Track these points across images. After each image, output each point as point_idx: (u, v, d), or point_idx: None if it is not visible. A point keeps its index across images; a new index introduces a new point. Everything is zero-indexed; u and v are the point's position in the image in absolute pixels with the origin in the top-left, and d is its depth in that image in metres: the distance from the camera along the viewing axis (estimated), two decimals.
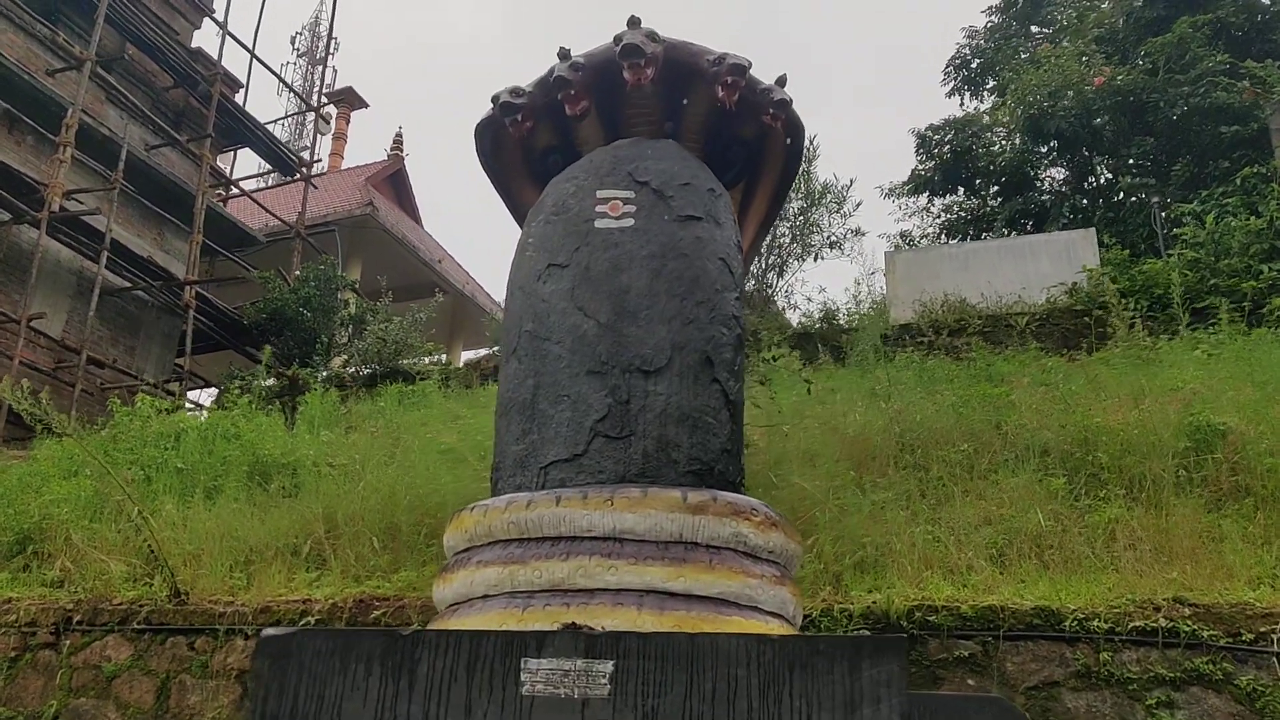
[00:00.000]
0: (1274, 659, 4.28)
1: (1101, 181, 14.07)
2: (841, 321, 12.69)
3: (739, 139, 4.40)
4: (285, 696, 2.84)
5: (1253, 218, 11.66)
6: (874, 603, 4.76)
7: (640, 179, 3.83)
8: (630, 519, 3.14)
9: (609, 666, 2.74)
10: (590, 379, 3.49)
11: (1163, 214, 12.81)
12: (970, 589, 4.87)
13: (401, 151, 24.57)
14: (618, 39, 4.04)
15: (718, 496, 3.22)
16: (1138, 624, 4.45)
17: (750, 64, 4.04)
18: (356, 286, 18.03)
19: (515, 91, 4.20)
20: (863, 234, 14.98)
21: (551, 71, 4.12)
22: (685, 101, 4.33)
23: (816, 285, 33.05)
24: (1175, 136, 13.09)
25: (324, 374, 12.95)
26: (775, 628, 3.14)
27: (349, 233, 20.11)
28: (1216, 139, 12.81)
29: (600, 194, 3.82)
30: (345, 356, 15.45)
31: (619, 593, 3.05)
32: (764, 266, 14.65)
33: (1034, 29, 18.70)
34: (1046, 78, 13.79)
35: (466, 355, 21.20)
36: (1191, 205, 12.28)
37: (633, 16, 4.11)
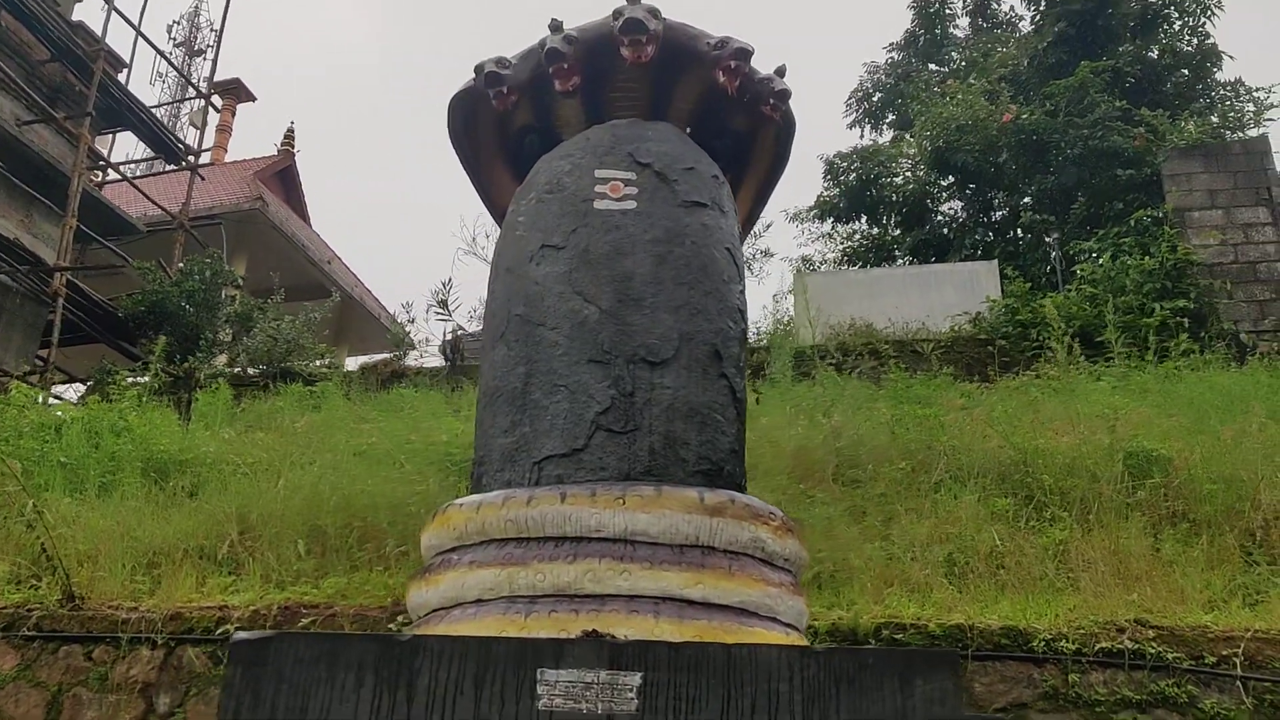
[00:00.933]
0: (1237, 683, 4.28)
1: (1001, 216, 14.44)
2: (751, 341, 12.66)
3: (728, 129, 4.20)
4: (261, 709, 2.48)
5: (1146, 258, 12.09)
6: (839, 619, 4.60)
7: (642, 160, 3.60)
8: (643, 519, 2.88)
9: (636, 679, 2.47)
10: (591, 368, 3.22)
11: (1061, 250, 13.21)
12: (934, 607, 4.76)
13: (293, 147, 23.68)
14: (618, 13, 3.81)
15: (735, 498, 3.00)
16: (1104, 645, 4.40)
17: (754, 49, 3.85)
18: (241, 283, 17.22)
19: (501, 62, 3.92)
20: (771, 255, 15.03)
21: (543, 44, 3.86)
22: (675, 86, 4.12)
23: None
24: (1074, 176, 13.51)
25: (209, 371, 12.26)
26: (795, 639, 2.93)
27: (235, 227, 19.20)
28: (1112, 181, 13.28)
29: (599, 173, 3.56)
30: (229, 355, 14.71)
31: (633, 599, 2.79)
32: None
33: (932, 66, 19.18)
34: (955, 112, 14.10)
35: (354, 360, 20.46)
36: (1089, 243, 12.68)
37: None
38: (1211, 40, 15.01)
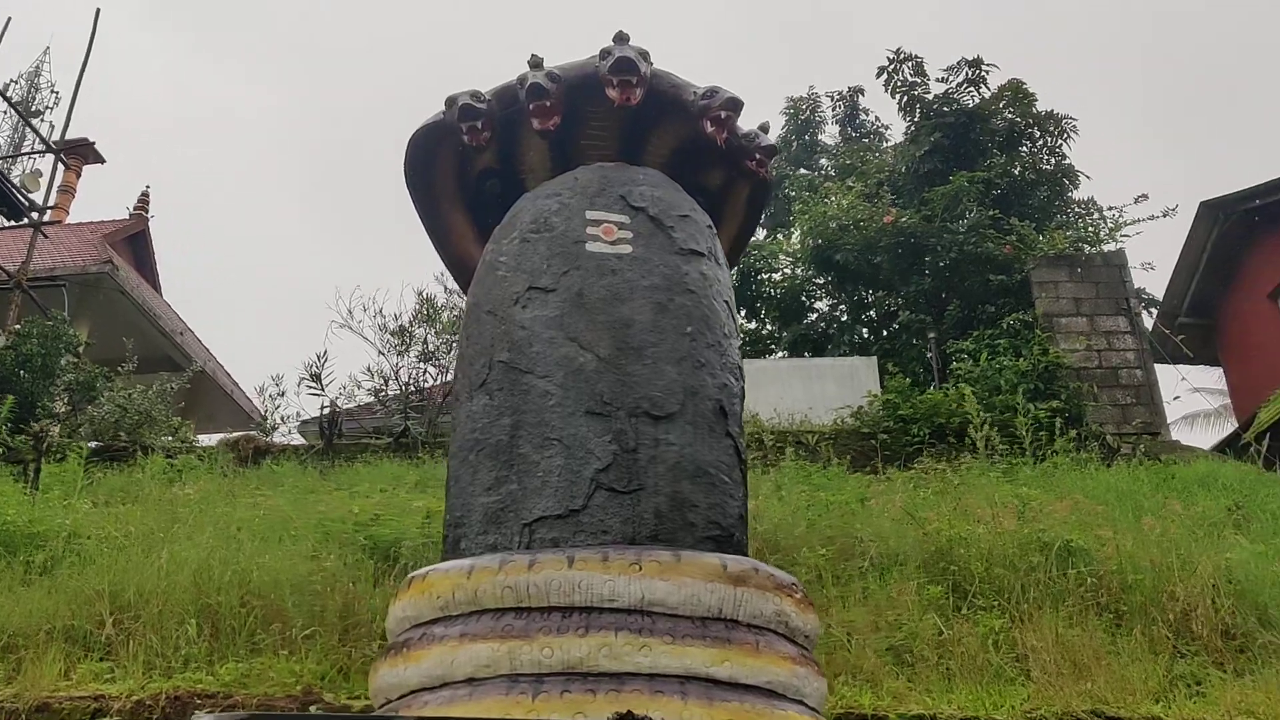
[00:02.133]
0: None
1: (878, 314, 14.79)
2: None
3: (701, 186, 4.02)
4: None
5: (1019, 359, 12.51)
6: None
7: (635, 204, 3.36)
8: (662, 588, 2.56)
9: None
10: (589, 420, 2.91)
11: (938, 349, 13.55)
12: (889, 696, 4.54)
13: (146, 213, 22.50)
14: (607, 52, 3.61)
15: (759, 567, 2.71)
16: None
17: (744, 101, 3.70)
18: (81, 350, 16.04)
19: (476, 95, 3.66)
20: None
21: (523, 80, 3.62)
22: (649, 136, 3.93)
23: None
24: (949, 279, 13.97)
25: (57, 440, 11.23)
26: None
27: (79, 291, 17.96)
28: (984, 285, 13.77)
29: (590, 215, 3.31)
30: (65, 426, 13.58)
31: (654, 678, 2.45)
32: None
33: (803, 171, 19.75)
34: (835, 212, 14.47)
35: (203, 438, 19.26)
36: (965, 343, 13.04)
37: (621, 31, 3.70)
38: (1068, 161, 15.96)
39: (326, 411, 11.52)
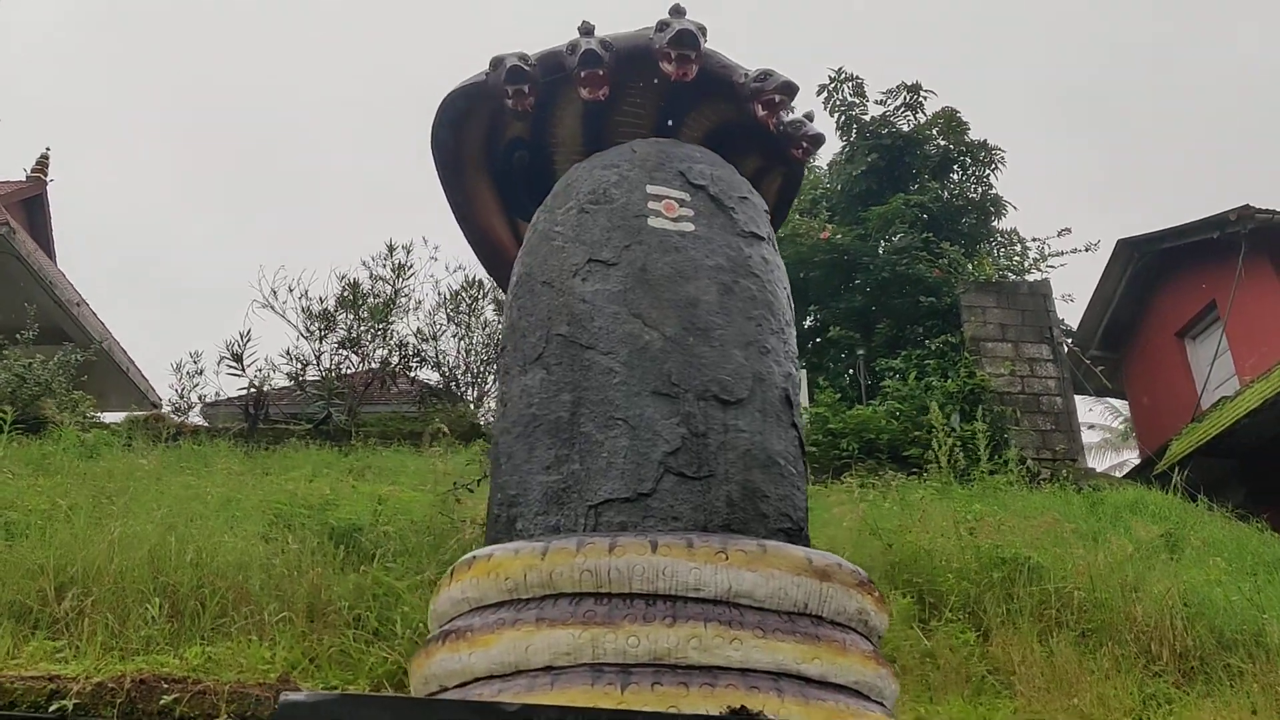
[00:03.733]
0: None
1: (809, 328, 14.86)
2: None
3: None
4: None
5: (947, 380, 12.72)
6: None
7: (695, 182, 3.23)
8: (749, 579, 2.43)
9: None
10: (655, 401, 2.77)
11: (867, 366, 13.70)
12: None
13: (45, 175, 21.37)
14: (664, 24, 3.47)
15: (842, 563, 2.60)
16: None
17: (799, 86, 3.60)
18: None
19: (524, 58, 3.48)
20: None
21: (573, 47, 3.45)
22: (687, 115, 3.82)
23: None
24: (880, 298, 14.14)
25: None
26: None
27: None
28: (915, 306, 13.98)
29: (650, 189, 3.16)
30: None
31: (746, 673, 2.32)
32: (478, 361, 13.95)
33: None
34: None
35: (104, 415, 18.34)
36: (894, 362, 13.21)
37: (677, 4, 3.56)
38: (994, 190, 16.34)
39: (251, 393, 11.02)
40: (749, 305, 3.02)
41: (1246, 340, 14.37)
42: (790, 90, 3.54)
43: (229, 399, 13.62)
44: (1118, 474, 24.94)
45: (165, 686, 3.83)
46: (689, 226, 3.10)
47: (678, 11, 3.54)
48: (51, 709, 3.68)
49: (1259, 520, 9.96)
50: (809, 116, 3.76)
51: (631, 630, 2.33)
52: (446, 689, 2.47)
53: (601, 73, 3.41)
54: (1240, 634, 5.69)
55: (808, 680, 2.37)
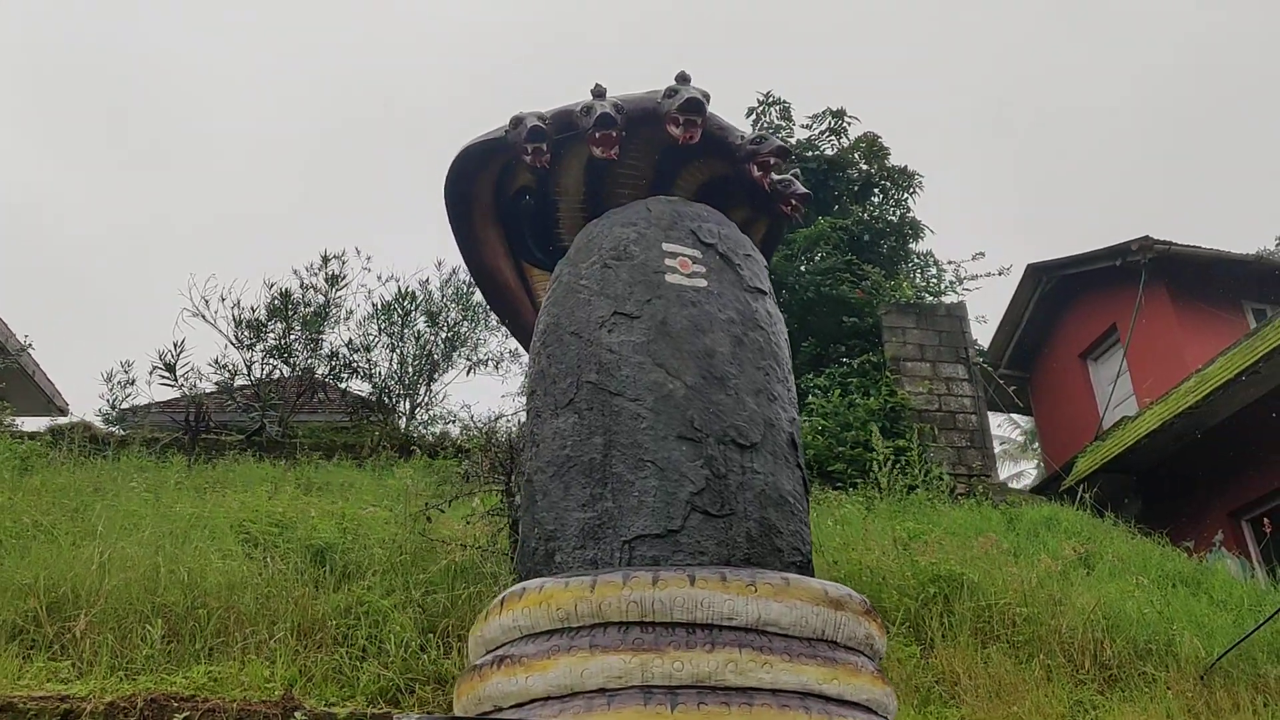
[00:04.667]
0: None
1: None
2: (502, 437, 12.42)
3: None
4: None
5: (869, 398, 13.26)
6: None
7: (705, 240, 3.53)
8: (776, 609, 2.74)
9: None
10: (681, 445, 3.06)
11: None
12: None
13: None
14: (673, 91, 3.76)
15: (852, 594, 2.92)
16: None
17: (791, 150, 3.92)
18: None
19: (542, 117, 3.74)
20: (520, 356, 14.91)
21: (588, 109, 3.72)
22: (682, 170, 4.12)
23: (459, 400, 32.46)
24: (805, 317, 14.63)
25: None
26: None
27: None
28: (839, 326, 14.51)
29: (666, 246, 3.45)
30: None
31: (777, 693, 2.62)
32: (412, 372, 14.05)
33: None
34: None
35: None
36: (819, 380, 13.70)
37: (683, 72, 3.86)
38: (913, 214, 17.00)
39: (191, 406, 10.96)
40: (758, 356, 3.33)
41: (1144, 362, 15.25)
42: (784, 154, 3.87)
43: (154, 405, 13.47)
44: (1016, 482, 26.05)
45: (176, 705, 3.97)
46: (702, 282, 3.40)
47: (683, 79, 3.84)
48: None
49: (1160, 535, 10.68)
50: (796, 175, 4.10)
51: (676, 656, 2.62)
52: (502, 709, 2.72)
53: (615, 134, 3.69)
54: (1153, 644, 6.21)
55: (828, 699, 2.69)
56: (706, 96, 3.81)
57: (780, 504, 3.11)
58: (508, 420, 13.06)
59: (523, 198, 4.07)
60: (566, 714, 2.56)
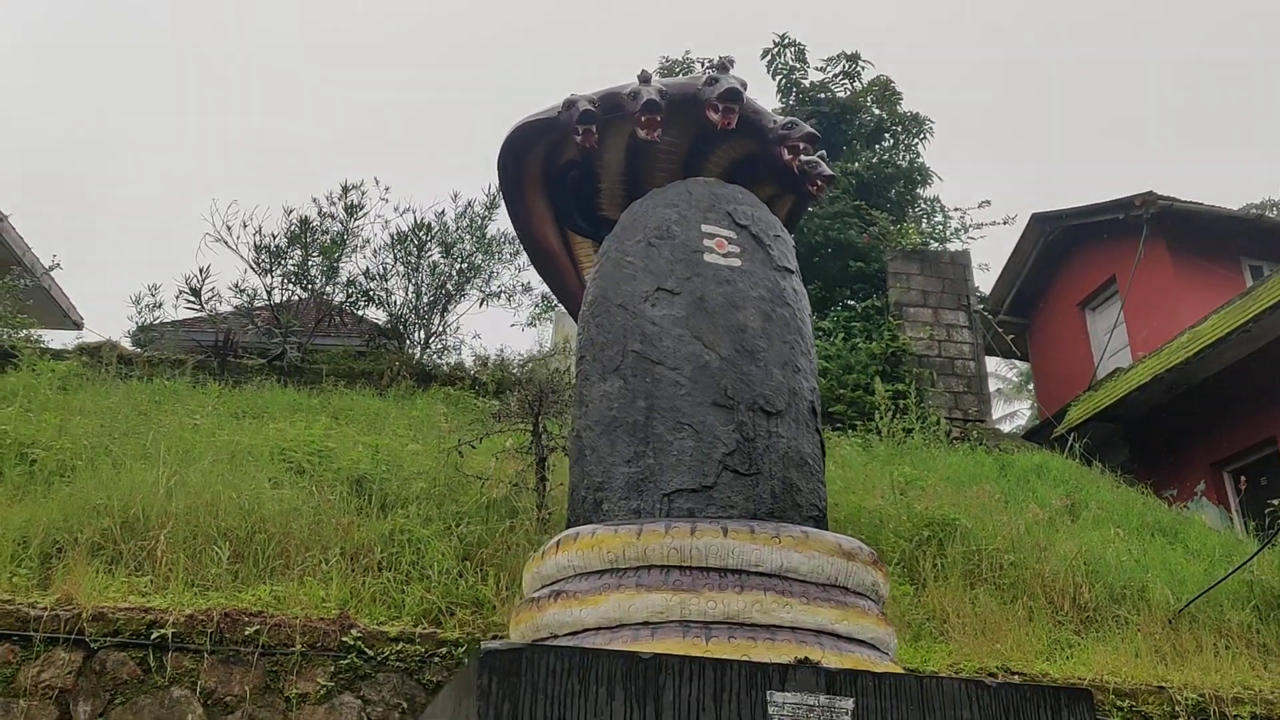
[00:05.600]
0: None
1: None
2: (515, 370, 12.83)
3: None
4: (520, 718, 2.51)
5: (872, 342, 13.66)
6: None
7: (740, 221, 3.89)
8: (796, 558, 3.16)
9: (850, 704, 2.76)
10: (715, 410, 3.46)
11: None
12: None
13: None
14: (713, 80, 4.08)
15: (862, 546, 3.35)
16: None
17: (819, 135, 4.26)
18: None
19: (593, 101, 4.07)
20: (531, 289, 15.25)
21: (635, 94, 4.04)
22: (714, 149, 4.45)
23: (471, 330, 32.74)
24: (812, 260, 14.96)
25: None
26: (901, 670, 3.32)
27: None
28: (844, 270, 14.86)
29: (705, 228, 3.81)
30: None
31: (796, 630, 3.06)
32: (427, 302, 14.40)
33: None
34: None
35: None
36: (824, 323, 14.08)
37: (724, 58, 4.19)
38: (921, 159, 17.24)
39: (220, 332, 11.35)
40: (784, 330, 3.71)
41: (1141, 314, 15.63)
42: (813, 140, 4.20)
43: (178, 324, 13.85)
44: (1010, 423, 26.56)
45: (247, 620, 4.43)
46: (736, 262, 3.77)
47: (723, 68, 4.16)
48: (153, 637, 4.26)
49: (1143, 485, 11.18)
50: (822, 157, 4.43)
51: (710, 596, 3.05)
52: (558, 636, 3.16)
53: (659, 118, 4.01)
54: (1128, 589, 6.70)
55: (839, 636, 3.13)
56: (744, 85, 4.13)
57: (801, 465, 3.52)
58: (520, 355, 13.43)
59: (569, 171, 4.41)
60: (615, 642, 3.00)
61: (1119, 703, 5.27)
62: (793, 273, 3.94)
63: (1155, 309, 15.28)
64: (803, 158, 4.30)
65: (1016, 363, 24.92)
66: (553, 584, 3.30)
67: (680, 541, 3.13)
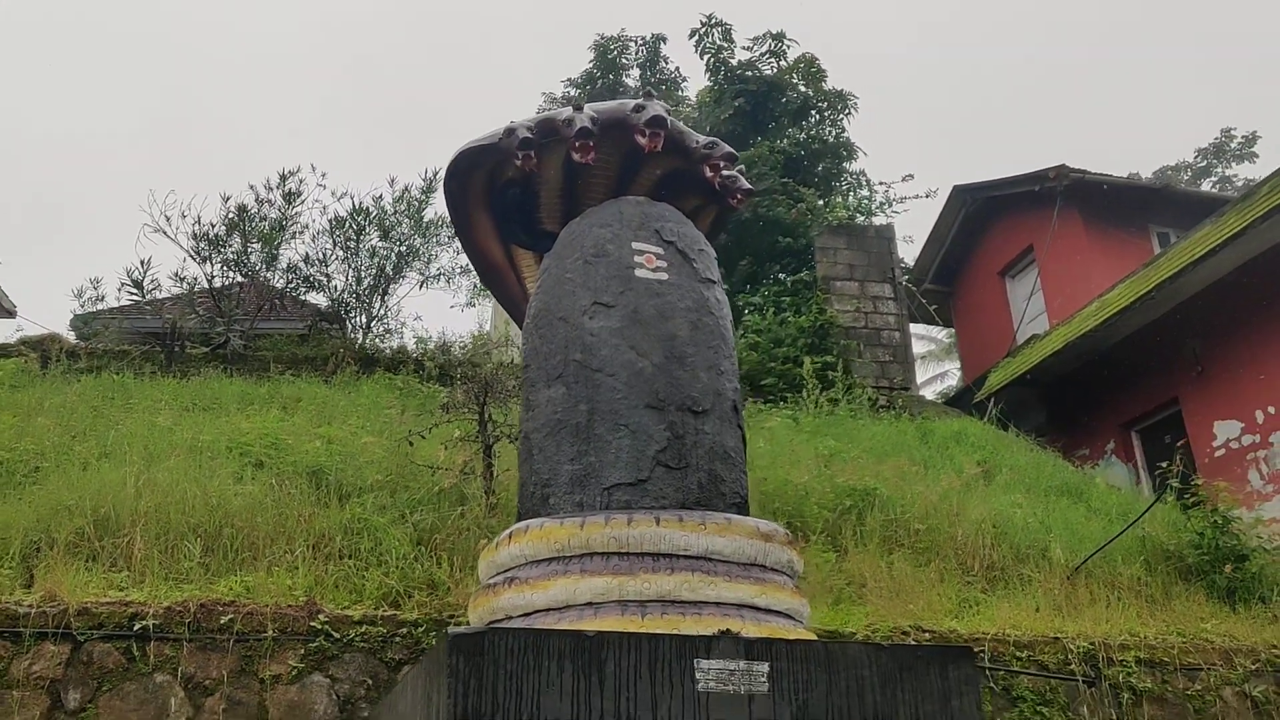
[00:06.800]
0: (985, 673, 5.72)
1: None
2: (457, 353, 13.16)
3: (677, 207, 4.97)
4: (485, 692, 2.94)
5: (800, 316, 14.21)
6: None
7: (666, 238, 4.31)
8: (720, 542, 3.63)
9: (765, 667, 3.24)
10: (649, 412, 3.89)
11: (730, 300, 15.03)
12: None
13: None
14: (640, 107, 4.49)
15: (778, 529, 3.83)
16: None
17: (738, 155, 4.70)
18: None
19: (531, 128, 4.45)
20: (470, 271, 15.50)
21: (569, 121, 4.43)
22: (644, 165, 4.85)
23: (412, 312, 32.50)
24: (741, 237, 15.44)
25: None
26: (813, 636, 3.81)
27: None
28: (773, 246, 15.37)
29: (635, 245, 4.23)
30: None
31: (721, 605, 3.53)
32: (367, 286, 14.63)
33: None
34: None
35: None
36: (754, 297, 14.59)
37: (649, 89, 4.58)
38: (846, 135, 17.78)
39: (167, 324, 11.51)
40: (709, 337, 4.15)
41: (1056, 282, 16.38)
42: (732, 159, 4.63)
43: (116, 311, 13.94)
44: (941, 382, 27.47)
45: (221, 609, 4.80)
46: (665, 276, 4.20)
47: (650, 96, 4.56)
48: (135, 628, 4.61)
49: (1054, 448, 11.89)
50: (742, 172, 4.87)
51: (645, 578, 3.50)
52: (512, 617, 3.60)
53: (591, 143, 4.41)
54: (1031, 549, 7.30)
55: (758, 609, 3.60)
56: (669, 112, 4.55)
57: (725, 458, 3.98)
58: (461, 338, 13.75)
59: (510, 189, 4.79)
60: (563, 622, 3.44)
61: (1018, 653, 5.85)
62: (715, 283, 4.38)
63: (1070, 276, 16.02)
64: (724, 173, 4.74)
65: (943, 333, 25.76)
66: (506, 571, 3.73)
67: (618, 531, 3.57)
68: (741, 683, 3.19)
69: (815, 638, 3.82)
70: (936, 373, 29.09)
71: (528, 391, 4.15)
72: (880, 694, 3.33)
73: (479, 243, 4.90)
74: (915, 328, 21.45)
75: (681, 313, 4.13)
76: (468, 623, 4.12)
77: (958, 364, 26.76)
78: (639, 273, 4.17)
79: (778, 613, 3.67)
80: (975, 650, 4.09)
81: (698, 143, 4.68)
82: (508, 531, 3.82)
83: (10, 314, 20.73)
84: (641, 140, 4.48)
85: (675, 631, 3.35)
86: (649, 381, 3.94)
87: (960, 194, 17.85)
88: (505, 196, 4.81)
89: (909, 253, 18.60)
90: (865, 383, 13.78)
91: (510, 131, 4.45)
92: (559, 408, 3.96)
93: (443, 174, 4.72)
